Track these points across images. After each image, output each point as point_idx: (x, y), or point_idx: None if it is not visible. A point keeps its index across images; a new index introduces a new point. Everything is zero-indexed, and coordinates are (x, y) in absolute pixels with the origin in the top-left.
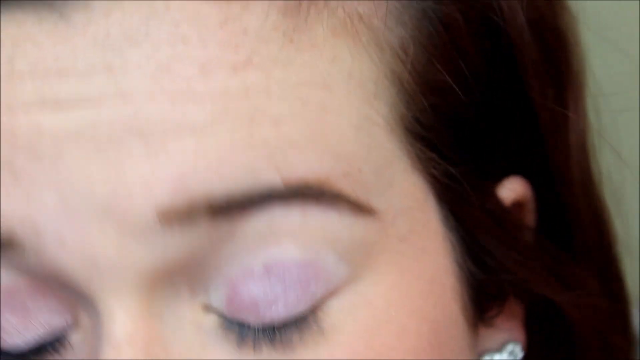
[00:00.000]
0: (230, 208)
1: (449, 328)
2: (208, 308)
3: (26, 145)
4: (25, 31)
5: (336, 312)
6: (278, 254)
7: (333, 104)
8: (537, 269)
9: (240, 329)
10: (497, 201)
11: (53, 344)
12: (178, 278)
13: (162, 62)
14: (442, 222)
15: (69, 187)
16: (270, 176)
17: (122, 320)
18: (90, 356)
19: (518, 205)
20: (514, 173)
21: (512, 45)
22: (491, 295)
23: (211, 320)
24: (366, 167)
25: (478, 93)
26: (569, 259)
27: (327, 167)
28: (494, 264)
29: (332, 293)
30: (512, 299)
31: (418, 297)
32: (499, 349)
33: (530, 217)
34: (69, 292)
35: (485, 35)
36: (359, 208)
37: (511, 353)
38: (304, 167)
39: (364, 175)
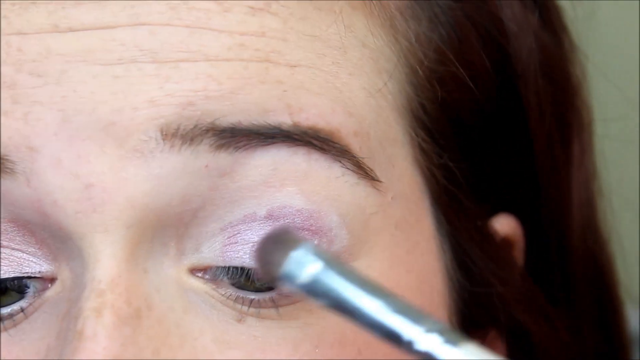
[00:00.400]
0: (235, 137)
1: None
2: (194, 270)
3: (31, 65)
4: None
5: None
6: (281, 199)
7: (347, 64)
8: (517, 290)
9: (234, 273)
10: (488, 226)
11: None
12: (168, 231)
13: None
14: (434, 225)
15: (72, 105)
16: (280, 117)
17: (107, 264)
18: (68, 311)
19: (508, 242)
20: (508, 211)
21: (516, 69)
22: (474, 317)
23: (196, 284)
24: (374, 135)
25: (482, 101)
26: (544, 296)
27: (339, 119)
28: (480, 278)
29: None
30: (494, 334)
31: (407, 291)
32: None
33: (518, 256)
34: (52, 237)
35: (492, 51)
36: (363, 170)
37: None
38: (315, 112)
39: (372, 142)
